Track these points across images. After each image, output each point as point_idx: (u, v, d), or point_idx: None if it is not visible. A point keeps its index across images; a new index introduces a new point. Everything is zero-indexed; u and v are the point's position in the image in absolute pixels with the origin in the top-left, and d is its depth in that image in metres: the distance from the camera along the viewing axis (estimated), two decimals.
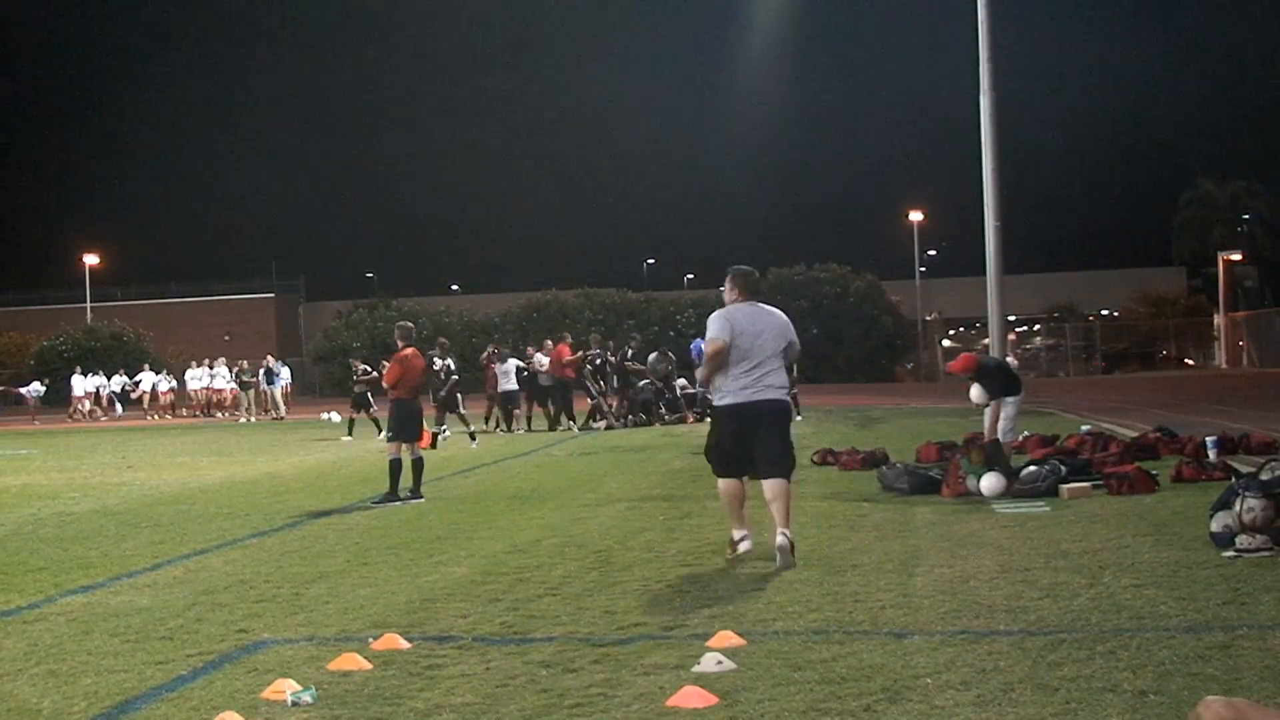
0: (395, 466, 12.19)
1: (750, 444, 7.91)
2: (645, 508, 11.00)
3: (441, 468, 15.96)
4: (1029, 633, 5.74)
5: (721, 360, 7.89)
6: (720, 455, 8.11)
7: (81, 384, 40.20)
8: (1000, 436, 11.75)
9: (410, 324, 13.44)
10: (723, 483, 8.14)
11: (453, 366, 21.38)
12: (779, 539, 7.69)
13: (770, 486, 7.81)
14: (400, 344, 12.81)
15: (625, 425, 24.05)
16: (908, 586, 6.95)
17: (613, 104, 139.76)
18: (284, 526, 10.60)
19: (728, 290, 8.25)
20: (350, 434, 23.32)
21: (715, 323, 7.99)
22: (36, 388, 41.62)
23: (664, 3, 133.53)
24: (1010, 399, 11.89)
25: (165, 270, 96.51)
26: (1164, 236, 70.92)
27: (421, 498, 12.05)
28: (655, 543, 8.89)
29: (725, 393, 8.00)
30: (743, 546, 8.03)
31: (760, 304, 8.19)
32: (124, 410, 40.94)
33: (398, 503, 11.84)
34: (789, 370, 8.32)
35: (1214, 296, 58.79)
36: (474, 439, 20.30)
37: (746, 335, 7.91)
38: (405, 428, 12.43)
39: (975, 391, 12.01)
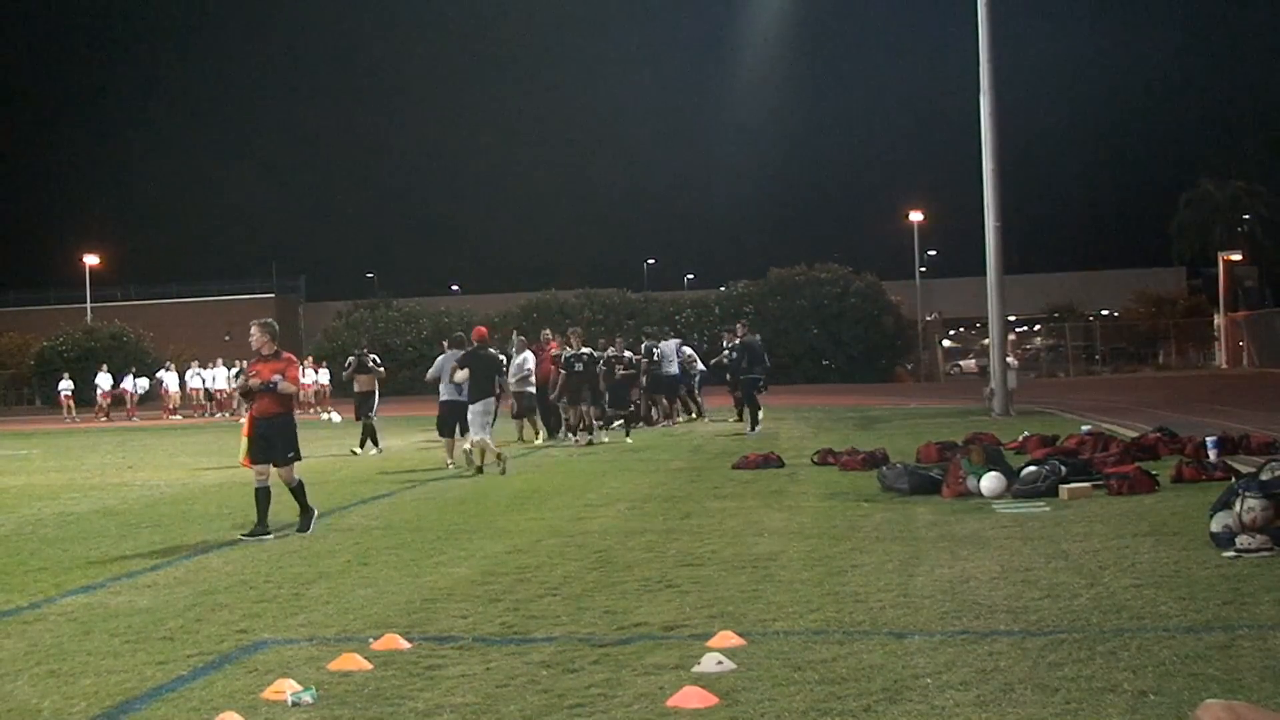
0: (267, 495, 10.09)
1: (456, 418, 15.79)
2: (645, 508, 11.01)
3: (442, 468, 15.95)
4: (1029, 633, 5.74)
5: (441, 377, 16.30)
6: (444, 424, 16.25)
7: (115, 382, 40.29)
8: (476, 433, 15.02)
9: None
10: (446, 440, 16.27)
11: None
12: (490, 469, 15.01)
13: (470, 439, 15.30)
14: (271, 344, 10.26)
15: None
16: (908, 586, 6.95)
17: (613, 105, 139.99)
18: (284, 527, 10.60)
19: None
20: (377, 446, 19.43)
21: (441, 360, 16.50)
22: (67, 385, 41.56)
23: (664, 4, 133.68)
24: (480, 401, 14.92)
25: (165, 270, 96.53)
26: (1164, 236, 70.87)
27: (310, 530, 10.17)
28: (655, 543, 8.89)
29: (444, 394, 16.12)
30: (456, 454, 15.96)
31: (478, 351, 15.42)
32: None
33: (269, 537, 9.80)
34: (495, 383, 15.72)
35: (1214, 296, 58.73)
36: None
37: (460, 366, 15.46)
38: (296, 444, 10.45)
39: None
